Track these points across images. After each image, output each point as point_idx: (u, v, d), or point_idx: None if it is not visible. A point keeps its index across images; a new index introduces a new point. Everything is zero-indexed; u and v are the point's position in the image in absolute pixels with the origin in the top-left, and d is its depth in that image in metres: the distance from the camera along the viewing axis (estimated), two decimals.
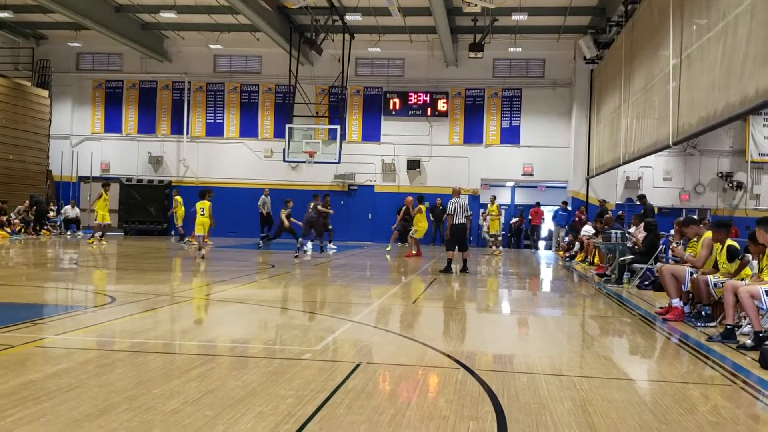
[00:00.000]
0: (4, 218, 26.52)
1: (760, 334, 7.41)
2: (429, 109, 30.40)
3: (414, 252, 21.82)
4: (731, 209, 28.32)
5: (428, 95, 30.42)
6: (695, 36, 13.25)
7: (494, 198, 26.11)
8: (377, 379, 5.78)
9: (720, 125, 12.55)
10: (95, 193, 26.77)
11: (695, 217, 13.09)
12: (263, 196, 25.82)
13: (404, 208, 23.86)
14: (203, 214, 18.58)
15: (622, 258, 14.97)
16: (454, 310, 10.79)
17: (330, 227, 23.48)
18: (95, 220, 23.24)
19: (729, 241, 9.16)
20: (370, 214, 27.00)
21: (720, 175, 28.78)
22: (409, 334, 8.12)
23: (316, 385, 5.38)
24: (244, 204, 28.72)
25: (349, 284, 13.87)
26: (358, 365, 6.12)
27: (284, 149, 27.63)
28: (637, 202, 25.03)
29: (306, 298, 11.61)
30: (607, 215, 20.59)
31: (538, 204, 30.14)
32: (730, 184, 28.59)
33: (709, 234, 9.75)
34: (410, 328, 8.74)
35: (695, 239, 10.20)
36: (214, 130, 31.77)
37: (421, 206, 22.48)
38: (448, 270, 16.17)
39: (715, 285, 8.85)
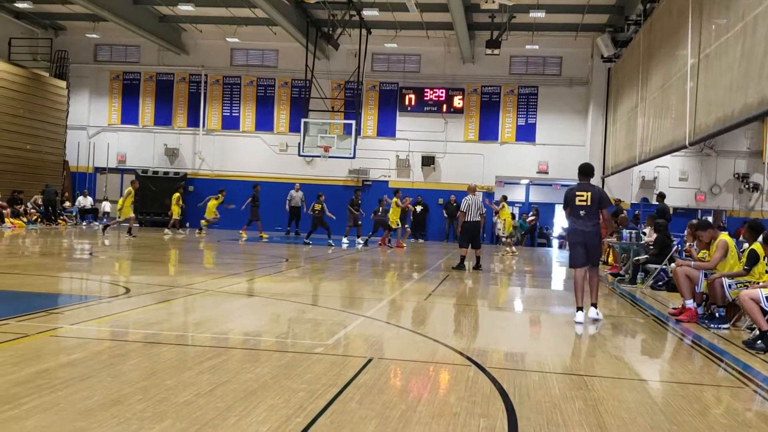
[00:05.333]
0: (21, 208, 26.74)
1: None
2: (444, 106, 30.33)
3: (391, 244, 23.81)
4: (747, 211, 28.13)
5: (444, 91, 30.34)
6: (714, 36, 13.16)
7: (505, 197, 25.86)
8: (389, 375, 5.79)
9: (737, 126, 12.47)
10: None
11: (710, 219, 12.96)
12: (292, 191, 26.48)
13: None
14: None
15: (636, 258, 14.92)
16: (467, 307, 10.79)
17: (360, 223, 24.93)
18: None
19: (756, 245, 9.07)
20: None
21: (736, 176, 28.58)
22: (421, 330, 8.13)
23: (327, 379, 5.40)
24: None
25: (361, 279, 13.90)
26: (369, 360, 6.14)
27: (299, 143, 27.64)
28: (655, 202, 24.90)
29: (318, 293, 11.65)
30: (622, 215, 20.49)
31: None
32: (747, 186, 28.38)
33: (723, 236, 9.70)
34: (422, 325, 8.75)
35: (711, 241, 10.11)
36: (230, 123, 31.86)
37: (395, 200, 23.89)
38: (461, 267, 16.16)
39: (730, 287, 8.82)
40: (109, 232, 23.24)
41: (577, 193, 9.31)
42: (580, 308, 9.14)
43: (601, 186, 28.21)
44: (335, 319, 8.56)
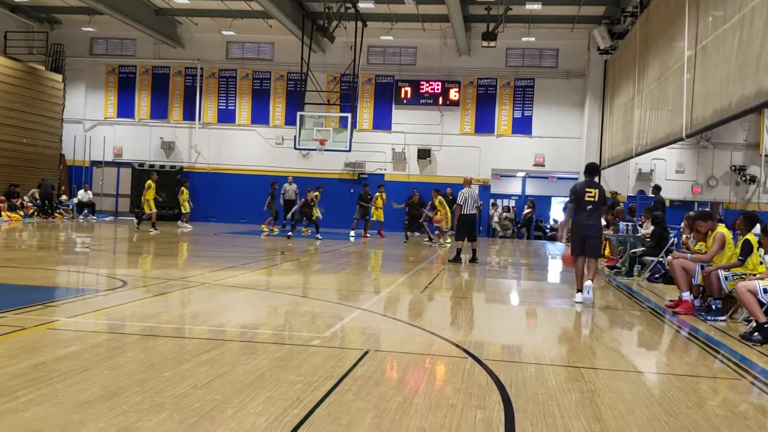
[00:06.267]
0: (18, 201, 26.70)
1: (765, 326, 7.48)
2: (440, 98, 30.27)
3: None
4: (744, 203, 28.14)
5: (440, 84, 30.29)
6: (711, 27, 13.15)
7: (438, 191, 25.02)
8: (385, 367, 5.80)
9: (734, 118, 12.47)
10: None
11: (708, 210, 12.96)
12: (285, 184, 26.36)
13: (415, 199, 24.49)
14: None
15: (632, 250, 14.94)
16: (463, 299, 10.80)
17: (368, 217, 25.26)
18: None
19: (749, 236, 9.09)
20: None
21: (733, 168, 28.61)
22: (417, 322, 8.13)
23: (324, 371, 5.40)
24: (255, 191, 28.72)
25: (358, 272, 13.90)
26: (366, 353, 6.15)
27: (295, 137, 27.61)
28: (651, 194, 24.93)
29: (315, 285, 11.65)
30: (618, 207, 20.50)
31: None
32: (743, 178, 28.41)
33: (721, 228, 9.70)
34: (419, 317, 8.76)
35: (708, 232, 10.10)
36: (226, 116, 31.79)
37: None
38: (457, 260, 16.17)
39: (726, 279, 8.83)
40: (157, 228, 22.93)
41: (587, 189, 10.33)
42: (579, 290, 10.19)
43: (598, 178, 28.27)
44: (332, 312, 8.56)
